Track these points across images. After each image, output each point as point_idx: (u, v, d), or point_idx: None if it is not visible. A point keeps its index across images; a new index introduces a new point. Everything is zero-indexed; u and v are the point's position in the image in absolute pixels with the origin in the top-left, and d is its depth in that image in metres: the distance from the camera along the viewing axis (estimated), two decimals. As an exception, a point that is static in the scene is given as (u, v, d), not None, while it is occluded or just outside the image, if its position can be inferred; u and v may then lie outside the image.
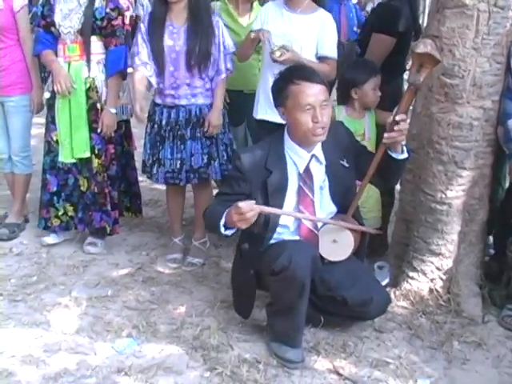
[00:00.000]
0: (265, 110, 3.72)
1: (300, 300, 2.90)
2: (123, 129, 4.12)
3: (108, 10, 3.83)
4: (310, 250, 2.94)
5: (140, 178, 4.62)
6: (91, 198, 4.06)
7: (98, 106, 3.94)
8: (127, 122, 4.22)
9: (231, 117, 4.06)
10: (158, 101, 3.89)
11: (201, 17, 3.70)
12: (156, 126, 3.88)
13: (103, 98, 3.95)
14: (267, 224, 3.00)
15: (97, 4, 3.81)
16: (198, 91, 3.81)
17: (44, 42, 3.93)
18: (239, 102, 4.17)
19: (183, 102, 3.81)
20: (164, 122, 3.85)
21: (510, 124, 3.36)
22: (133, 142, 4.32)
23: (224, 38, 3.78)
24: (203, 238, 4.14)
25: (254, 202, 2.77)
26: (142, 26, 3.78)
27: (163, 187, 4.34)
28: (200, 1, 3.71)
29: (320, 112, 2.91)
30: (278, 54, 3.51)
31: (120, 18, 3.89)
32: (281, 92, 3.00)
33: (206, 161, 3.86)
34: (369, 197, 3.73)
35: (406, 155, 3.03)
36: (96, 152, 3.98)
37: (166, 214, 4.48)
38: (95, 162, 3.99)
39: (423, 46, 2.82)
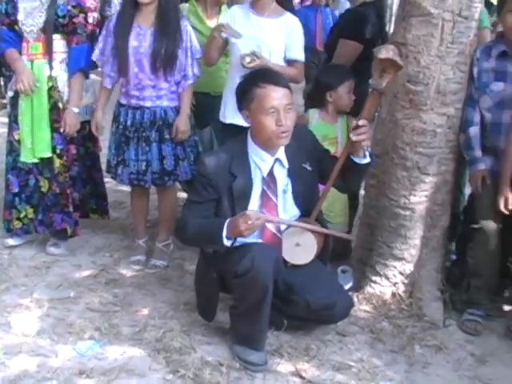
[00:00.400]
0: (233, 114, 3.69)
1: (263, 302, 2.91)
2: (86, 129, 4.07)
3: (69, 8, 3.80)
4: (272, 253, 2.95)
5: (105, 180, 4.59)
6: (52, 199, 4.00)
7: (60, 105, 3.89)
8: (90, 122, 4.16)
9: (197, 119, 4.06)
10: (123, 101, 3.87)
11: (169, 20, 3.69)
12: (121, 126, 3.86)
13: (65, 98, 3.90)
14: None
15: (59, 1, 3.78)
16: (163, 93, 3.80)
17: (8, 41, 3.87)
18: (205, 105, 4.17)
19: (148, 103, 3.79)
20: (129, 123, 3.83)
21: (470, 132, 3.43)
22: (97, 143, 4.27)
23: (191, 43, 3.77)
24: (167, 241, 4.12)
25: (257, 210, 2.89)
26: (109, 26, 3.77)
27: (128, 189, 4.31)
28: (169, 4, 3.70)
29: (284, 115, 2.93)
30: (247, 59, 3.53)
31: (82, 15, 3.86)
32: (245, 95, 3.00)
33: (173, 163, 3.85)
34: (335, 201, 3.76)
35: (368, 160, 3.06)
36: (58, 152, 3.93)
37: (130, 215, 4.44)
38: (57, 162, 3.94)
39: (385, 52, 2.87)
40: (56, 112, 3.90)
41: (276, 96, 2.94)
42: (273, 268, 2.87)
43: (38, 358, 2.98)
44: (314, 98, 3.97)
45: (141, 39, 3.71)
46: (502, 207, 3.31)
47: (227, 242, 2.90)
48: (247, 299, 2.93)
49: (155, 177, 3.86)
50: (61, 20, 3.79)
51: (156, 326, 3.28)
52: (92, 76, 4.20)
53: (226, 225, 2.87)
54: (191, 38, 3.77)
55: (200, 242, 3.18)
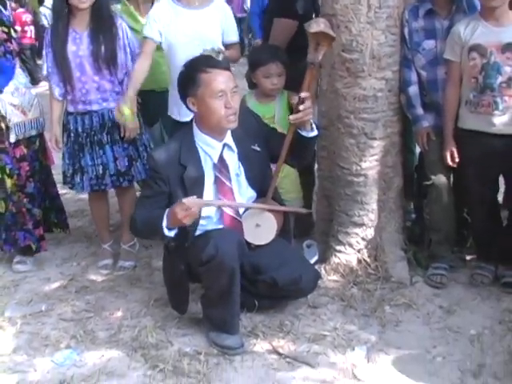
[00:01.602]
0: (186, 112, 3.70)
1: (232, 286, 2.95)
2: (37, 144, 4.05)
3: None
4: (234, 236, 3.00)
5: (63, 191, 4.58)
6: (11, 218, 3.98)
7: (3, 125, 3.85)
8: (40, 136, 4.14)
9: (145, 117, 4.07)
10: (71, 109, 3.87)
11: (103, 20, 3.71)
12: (72, 134, 3.86)
13: (8, 118, 3.86)
14: None
15: None
16: (108, 94, 3.81)
17: None
18: (152, 102, 4.16)
19: (95, 107, 3.80)
20: (80, 130, 3.83)
21: (410, 91, 3.51)
22: (49, 156, 4.25)
23: (129, 40, 3.78)
24: (132, 241, 4.14)
25: (195, 196, 2.87)
26: (46, 38, 3.78)
27: (87, 197, 4.31)
28: (102, 5, 3.72)
29: (231, 98, 2.98)
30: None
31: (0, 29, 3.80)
32: (190, 81, 3.02)
33: (127, 163, 3.87)
34: (283, 177, 3.76)
35: (315, 132, 3.12)
36: (7, 172, 3.91)
37: (93, 223, 4.45)
38: (8, 182, 3.91)
39: (316, 25, 2.92)
40: (0, 133, 3.88)
41: (223, 79, 2.98)
42: (236, 251, 2.92)
43: (16, 375, 2.98)
44: (247, 79, 4.00)
45: (78, 43, 3.71)
46: (449, 161, 3.40)
47: (169, 233, 2.93)
48: (216, 285, 2.97)
49: (114, 179, 3.88)
50: None
51: (131, 326, 3.30)
52: (34, 90, 4.17)
53: (165, 215, 2.89)
54: (127, 35, 3.78)
55: (148, 234, 3.24)
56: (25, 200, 4.00)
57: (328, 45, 3.04)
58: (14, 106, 3.88)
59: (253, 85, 4.01)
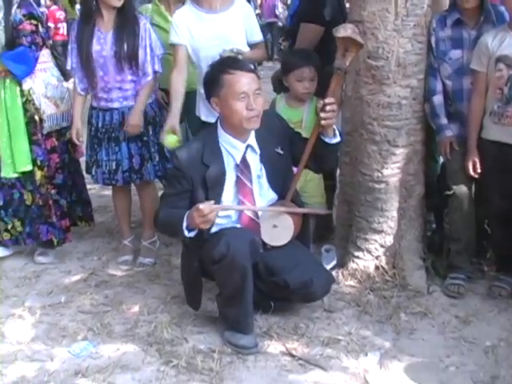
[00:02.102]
0: (207, 113, 3.73)
1: (244, 284, 2.98)
2: (67, 136, 4.13)
3: (20, 16, 3.83)
4: (246, 235, 3.02)
5: (88, 186, 4.64)
6: (36, 211, 4.05)
7: (37, 117, 3.94)
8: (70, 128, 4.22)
9: None
10: (94, 104, 3.97)
11: (127, 21, 3.77)
12: (93, 128, 3.96)
13: (42, 109, 3.95)
14: None
15: (14, 15, 3.81)
16: (130, 94, 3.88)
17: None
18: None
19: (116, 105, 3.88)
20: (100, 125, 3.92)
21: (435, 100, 3.51)
22: (78, 149, 4.31)
23: (151, 40, 3.82)
24: (152, 238, 4.19)
25: (213, 202, 2.91)
26: (72, 35, 3.86)
27: (111, 193, 4.36)
28: (129, 6, 3.79)
29: (254, 100, 3.02)
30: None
31: (28, 22, 3.85)
32: (215, 82, 3.07)
33: (139, 162, 3.93)
34: (307, 181, 3.79)
35: (338, 139, 3.15)
36: (38, 164, 3.98)
37: (115, 218, 4.51)
38: (38, 174, 3.99)
39: (343, 31, 2.94)
40: (33, 125, 3.95)
41: (245, 81, 3.02)
42: (249, 249, 2.94)
43: (34, 364, 3.04)
44: (281, 82, 4.02)
45: (102, 43, 3.78)
46: (471, 171, 3.40)
47: (189, 234, 2.97)
48: (228, 283, 3.01)
49: (126, 175, 3.94)
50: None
51: (147, 321, 3.34)
52: (66, 84, 4.25)
53: (185, 217, 2.94)
54: (150, 36, 3.82)
55: (169, 233, 3.32)
56: (53, 191, 4.07)
57: (356, 51, 3.07)
58: (48, 98, 3.98)
59: (279, 88, 4.03)
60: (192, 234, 3.00)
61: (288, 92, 3.91)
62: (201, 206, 2.85)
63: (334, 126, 3.15)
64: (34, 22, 3.89)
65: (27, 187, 4.03)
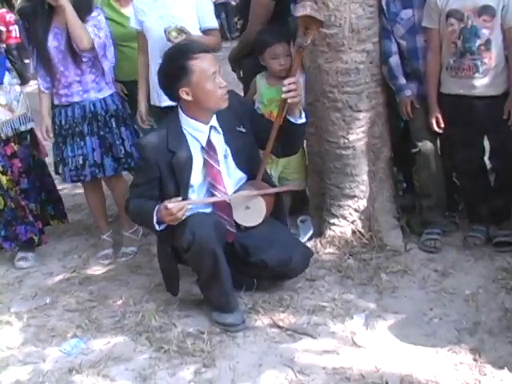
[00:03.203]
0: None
1: (218, 267, 3.01)
2: (28, 140, 4.12)
3: None
4: (209, 218, 3.06)
5: (60, 186, 4.63)
6: (10, 213, 4.06)
7: None
8: (30, 131, 4.21)
9: (132, 108, 4.11)
10: (56, 102, 3.96)
11: (83, 15, 3.74)
12: (57, 126, 3.95)
13: None
14: None
15: None
16: (90, 87, 3.87)
17: None
18: (135, 92, 4.17)
19: (76, 98, 3.87)
20: (63, 122, 3.91)
21: (391, 61, 3.55)
22: (42, 150, 4.30)
23: (99, 30, 3.79)
24: (134, 227, 4.20)
25: (180, 198, 2.94)
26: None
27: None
28: (82, 1, 3.75)
29: (220, 78, 3.05)
30: (174, 34, 3.52)
31: None
32: (182, 71, 3.00)
33: (101, 156, 3.92)
34: (290, 159, 3.82)
35: (304, 120, 3.17)
36: (1, 169, 3.98)
37: (91, 215, 4.52)
38: (3, 179, 3.99)
39: (302, 9, 2.96)
40: None
41: (211, 61, 3.03)
42: (214, 232, 2.97)
43: (27, 367, 3.07)
44: (237, 60, 4.03)
45: (59, 38, 3.76)
46: (435, 127, 3.45)
47: (159, 227, 3.03)
48: (203, 268, 3.06)
49: (92, 170, 3.93)
50: None
51: (134, 312, 3.38)
52: (18, 87, 4.21)
53: (155, 212, 2.98)
54: (101, 26, 3.80)
55: (140, 224, 3.46)
56: (19, 197, 4.06)
57: (317, 28, 3.08)
58: (1, 105, 3.95)
59: (237, 68, 4.03)
60: (163, 227, 3.04)
61: (266, 71, 3.89)
62: (169, 205, 2.88)
63: (300, 107, 3.17)
64: None
65: None
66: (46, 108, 3.98)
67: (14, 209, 4.04)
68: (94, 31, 3.72)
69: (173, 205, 2.89)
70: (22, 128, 4.07)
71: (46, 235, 4.30)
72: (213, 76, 3.00)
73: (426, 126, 3.49)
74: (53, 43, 3.76)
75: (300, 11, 2.99)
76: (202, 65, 3.00)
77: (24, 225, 4.08)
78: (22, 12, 4.03)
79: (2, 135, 3.97)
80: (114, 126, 3.94)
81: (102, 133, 3.91)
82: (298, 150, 3.53)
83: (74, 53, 3.74)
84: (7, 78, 4.09)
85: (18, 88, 4.15)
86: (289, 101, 3.04)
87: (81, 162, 3.91)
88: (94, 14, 3.80)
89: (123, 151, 3.96)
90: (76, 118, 3.88)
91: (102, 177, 4.02)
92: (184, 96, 3.05)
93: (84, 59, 3.77)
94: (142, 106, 3.95)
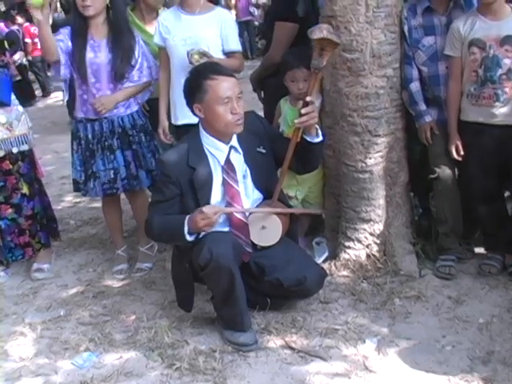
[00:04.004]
0: (185, 114, 3.68)
1: (233, 286, 3.02)
2: (25, 160, 4.15)
3: None
4: (227, 238, 3.08)
5: (77, 200, 4.67)
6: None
7: None
8: (29, 151, 4.22)
9: (153, 124, 4.16)
10: (81, 115, 3.94)
11: (121, 31, 3.82)
12: (83, 142, 3.95)
13: None
14: None
15: None
16: (120, 103, 3.90)
17: None
18: (157, 109, 4.22)
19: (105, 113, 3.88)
20: (90, 136, 3.92)
21: (412, 87, 3.58)
22: (39, 170, 4.33)
23: (144, 49, 3.91)
24: (150, 243, 4.23)
25: (215, 205, 2.99)
26: (64, 41, 3.85)
27: (100, 204, 4.40)
28: (119, 15, 3.84)
29: (237, 104, 3.07)
30: (196, 57, 3.57)
31: None
32: (198, 88, 3.09)
33: (136, 169, 3.97)
34: (317, 182, 3.86)
35: (320, 138, 3.20)
36: None
37: (107, 229, 4.55)
38: None
39: (319, 32, 2.98)
40: None
41: (228, 86, 3.07)
42: (232, 251, 2.99)
43: (39, 379, 3.08)
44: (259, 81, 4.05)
45: (96, 50, 3.82)
46: (454, 155, 3.47)
47: (190, 238, 3.03)
48: (218, 287, 3.07)
49: (125, 183, 3.96)
50: None
51: (147, 327, 3.38)
52: (20, 108, 4.20)
53: (186, 221, 2.99)
54: (143, 48, 3.91)
55: (166, 240, 3.40)
56: (10, 210, 4.11)
57: (332, 50, 3.09)
58: (0, 123, 3.99)
59: (258, 88, 4.06)
60: (193, 238, 3.05)
61: (290, 94, 3.90)
62: (204, 209, 2.93)
63: (317, 126, 3.20)
64: None
65: None
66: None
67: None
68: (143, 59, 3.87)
69: (208, 208, 2.93)
70: (22, 148, 4.10)
71: (63, 247, 4.34)
72: (226, 100, 3.04)
73: (445, 153, 3.51)
74: (89, 54, 3.81)
75: (317, 34, 3.02)
76: (216, 87, 3.05)
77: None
78: (59, 24, 4.08)
79: (1, 153, 4.01)
80: (143, 139, 3.99)
81: (134, 146, 3.95)
82: (317, 167, 3.57)
83: (111, 67, 3.80)
84: (12, 97, 4.11)
85: (20, 108, 4.16)
86: (304, 124, 3.08)
87: (112, 175, 3.93)
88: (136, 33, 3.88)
89: (152, 165, 4.00)
90: (104, 132, 3.90)
91: (138, 189, 4.05)
92: (197, 112, 3.15)
93: (126, 75, 3.83)
94: (165, 121, 3.97)
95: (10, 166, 4.08)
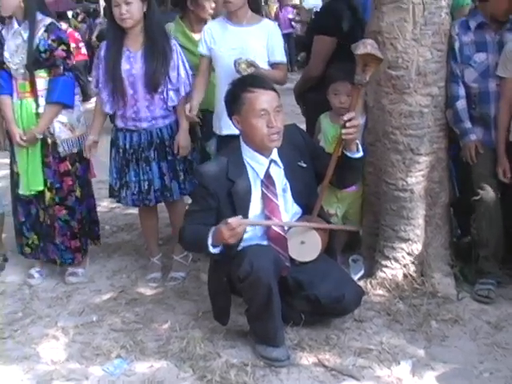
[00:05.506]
0: (228, 125, 3.63)
1: (270, 301, 2.99)
2: (83, 159, 4.16)
3: (50, 42, 3.88)
4: (269, 252, 3.06)
5: (113, 205, 4.68)
6: (46, 228, 4.14)
7: (49, 141, 4.00)
8: None
9: (203, 133, 4.17)
10: (120, 125, 3.97)
11: (156, 40, 3.81)
12: (120, 150, 3.97)
13: (56, 134, 4.00)
14: None
15: (39, 37, 3.86)
16: (158, 114, 3.90)
17: (1, 85, 3.99)
18: (207, 120, 4.22)
19: (144, 124, 3.89)
20: (127, 146, 3.94)
21: (458, 105, 3.54)
22: (91, 171, 4.35)
23: (183, 59, 3.89)
24: (184, 252, 4.21)
25: (240, 216, 2.94)
26: (100, 54, 3.90)
27: (137, 211, 4.41)
28: (155, 25, 3.82)
29: (274, 117, 3.05)
30: (243, 66, 3.56)
31: (61, 48, 3.92)
32: (236, 100, 3.11)
33: (170, 180, 3.96)
34: (356, 199, 3.84)
35: (361, 154, 3.17)
36: (48, 186, 4.05)
37: (142, 236, 4.56)
38: (47, 195, 4.06)
39: (363, 47, 2.96)
40: (46, 147, 4.02)
41: (266, 99, 3.06)
42: (272, 266, 2.97)
43: (69, 383, 3.09)
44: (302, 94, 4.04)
45: (131, 62, 3.82)
46: (501, 177, 3.41)
47: (213, 250, 3.01)
48: (255, 300, 3.04)
49: (157, 195, 3.96)
50: (43, 55, 3.88)
51: (179, 337, 3.37)
52: (82, 107, 4.27)
53: (210, 233, 2.98)
54: (182, 57, 3.88)
55: (194, 249, 3.41)
56: (64, 211, 4.11)
57: (375, 66, 3.08)
58: (62, 123, 4.02)
59: (300, 103, 4.04)
60: (217, 251, 3.02)
61: (330, 109, 3.89)
62: (229, 219, 2.89)
63: (358, 141, 3.18)
64: (65, 48, 3.95)
65: (41, 205, 4.11)
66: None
67: (48, 226, 4.11)
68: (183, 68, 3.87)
69: (233, 220, 2.89)
70: (80, 148, 4.10)
71: (97, 252, 4.34)
72: (262, 112, 3.04)
73: (489, 174, 3.46)
74: (125, 66, 3.81)
75: (361, 49, 3.00)
76: (253, 99, 3.06)
77: (52, 244, 4.15)
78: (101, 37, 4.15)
79: (62, 152, 4.03)
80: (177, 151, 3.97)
81: (169, 157, 3.94)
82: (356, 183, 3.57)
83: (147, 78, 3.78)
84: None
85: (81, 108, 4.21)
86: (343, 137, 3.06)
87: (146, 187, 3.94)
88: (172, 42, 3.88)
89: (182, 176, 3.98)
90: (142, 143, 3.91)
91: (171, 201, 4.04)
92: (236, 124, 3.17)
93: (155, 85, 3.81)
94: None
95: (70, 167, 4.11)
